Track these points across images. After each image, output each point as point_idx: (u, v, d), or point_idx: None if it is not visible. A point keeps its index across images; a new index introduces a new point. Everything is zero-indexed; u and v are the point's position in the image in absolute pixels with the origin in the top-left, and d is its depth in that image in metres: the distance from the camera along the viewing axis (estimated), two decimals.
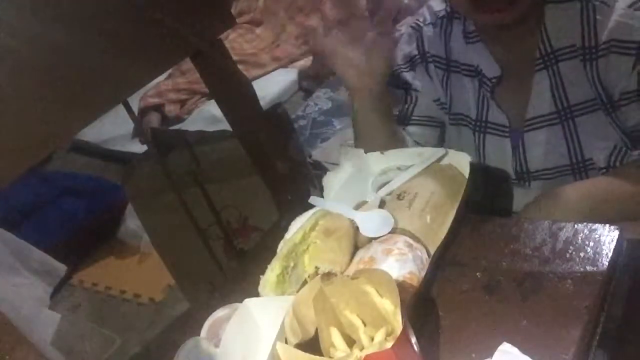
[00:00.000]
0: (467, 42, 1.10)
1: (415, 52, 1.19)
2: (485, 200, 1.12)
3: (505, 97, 1.09)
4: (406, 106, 1.22)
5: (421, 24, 1.19)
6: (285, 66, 3.22)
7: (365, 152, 1.08)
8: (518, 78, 1.06)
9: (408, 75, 1.21)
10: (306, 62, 3.16)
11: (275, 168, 1.13)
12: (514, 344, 0.70)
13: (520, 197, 1.12)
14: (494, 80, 1.07)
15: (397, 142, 1.16)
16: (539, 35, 1.01)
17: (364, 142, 1.15)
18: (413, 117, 1.21)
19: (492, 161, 1.14)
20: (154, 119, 3.11)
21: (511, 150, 1.11)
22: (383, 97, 1.12)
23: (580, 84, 1.00)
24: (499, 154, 1.13)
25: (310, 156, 2.42)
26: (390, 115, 1.17)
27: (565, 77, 1.01)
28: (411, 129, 1.22)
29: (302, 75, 3.11)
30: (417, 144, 1.21)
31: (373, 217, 0.92)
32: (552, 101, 1.03)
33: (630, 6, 0.92)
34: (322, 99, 2.88)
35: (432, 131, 1.22)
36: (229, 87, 1.08)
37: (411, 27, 1.21)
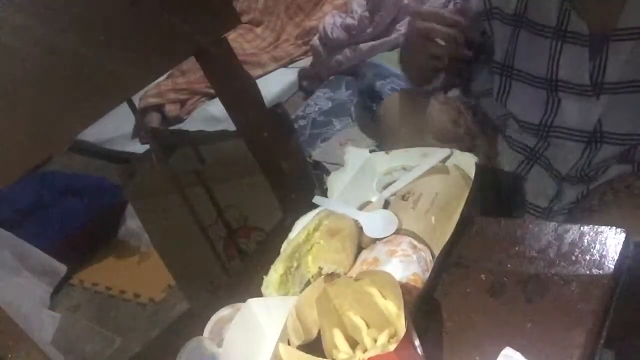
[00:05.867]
0: None
1: None
2: (491, 202, 1.12)
3: (591, 7, 1.05)
4: None
5: None
6: (285, 66, 3.22)
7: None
8: None
9: None
10: (306, 62, 3.15)
11: (280, 167, 1.12)
12: (518, 347, 0.69)
13: (585, 111, 1.11)
14: None
15: None
16: None
17: None
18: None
19: (566, 71, 1.11)
20: (154, 119, 3.10)
21: (588, 59, 1.08)
22: None
23: None
24: (575, 63, 1.09)
25: (310, 156, 2.42)
26: None
27: None
28: None
29: (302, 75, 3.11)
30: None
31: (377, 218, 0.92)
32: None
33: None
34: (322, 99, 2.87)
35: None
36: (234, 86, 1.07)
37: None
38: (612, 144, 1.11)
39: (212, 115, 2.88)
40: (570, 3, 1.06)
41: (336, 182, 1.04)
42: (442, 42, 1.11)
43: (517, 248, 0.84)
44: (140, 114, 3.05)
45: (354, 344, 0.75)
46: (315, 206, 1.00)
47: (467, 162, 0.97)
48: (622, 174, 1.13)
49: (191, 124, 2.94)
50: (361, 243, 0.91)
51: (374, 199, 1.00)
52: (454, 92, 1.32)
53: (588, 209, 1.14)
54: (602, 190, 1.14)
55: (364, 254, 0.88)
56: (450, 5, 1.18)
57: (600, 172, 1.16)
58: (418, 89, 1.25)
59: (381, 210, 0.94)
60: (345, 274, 0.86)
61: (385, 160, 1.07)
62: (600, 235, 0.81)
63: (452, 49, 1.11)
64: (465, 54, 1.15)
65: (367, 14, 2.86)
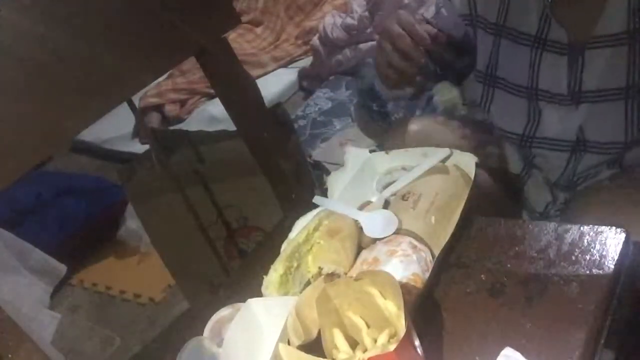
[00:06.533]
0: None
1: None
2: (492, 202, 1.12)
3: (570, 13, 1.05)
4: None
5: None
6: (285, 66, 3.22)
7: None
8: None
9: None
10: (306, 62, 3.16)
11: (280, 167, 1.13)
12: (518, 347, 0.69)
13: (565, 120, 1.10)
14: None
15: None
16: None
17: None
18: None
19: (545, 79, 1.11)
20: (154, 119, 3.11)
21: (567, 68, 1.07)
22: None
23: None
24: (554, 71, 1.09)
25: (310, 156, 2.42)
26: None
27: None
28: None
29: (302, 75, 3.11)
30: None
31: (377, 218, 0.91)
32: (626, 21, 0.99)
33: None
34: (322, 99, 2.87)
35: None
36: (234, 85, 1.07)
37: None
38: (596, 152, 1.10)
39: (212, 115, 2.88)
40: (550, 10, 1.06)
41: (336, 182, 1.04)
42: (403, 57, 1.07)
43: (517, 248, 0.84)
44: (140, 114, 3.05)
45: (354, 344, 0.75)
46: (315, 206, 1.00)
47: (467, 162, 0.97)
48: (612, 175, 1.13)
49: (191, 124, 2.94)
50: (361, 243, 0.91)
51: (374, 199, 1.00)
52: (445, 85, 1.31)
53: (581, 208, 1.13)
54: (593, 188, 1.14)
55: (364, 254, 0.88)
56: (431, 9, 1.18)
57: (589, 178, 1.15)
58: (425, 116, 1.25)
59: (381, 210, 0.93)
60: (345, 274, 0.86)
61: (385, 160, 1.07)
62: (600, 235, 0.81)
63: (411, 68, 1.04)
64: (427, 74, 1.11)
65: (367, 14, 2.86)
